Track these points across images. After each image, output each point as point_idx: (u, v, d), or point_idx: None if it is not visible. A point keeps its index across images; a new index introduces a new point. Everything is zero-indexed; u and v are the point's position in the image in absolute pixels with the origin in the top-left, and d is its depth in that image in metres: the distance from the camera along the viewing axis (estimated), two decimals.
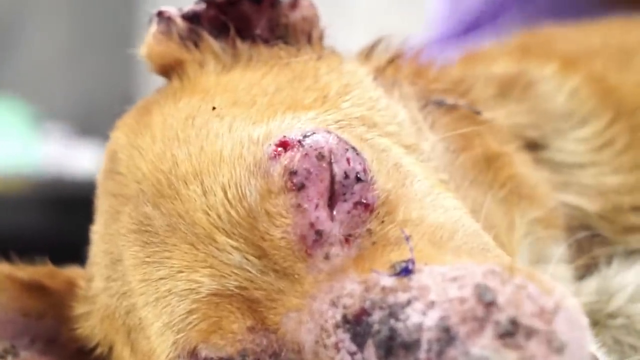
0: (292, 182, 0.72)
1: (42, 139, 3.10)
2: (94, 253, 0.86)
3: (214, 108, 0.80)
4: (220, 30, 0.89)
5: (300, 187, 0.72)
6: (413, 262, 0.68)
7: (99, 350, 0.87)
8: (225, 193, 0.73)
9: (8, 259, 0.90)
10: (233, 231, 0.72)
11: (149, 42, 0.89)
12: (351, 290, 0.68)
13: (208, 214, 0.73)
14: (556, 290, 0.66)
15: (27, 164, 2.98)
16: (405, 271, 0.68)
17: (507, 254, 0.78)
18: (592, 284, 0.88)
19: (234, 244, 0.72)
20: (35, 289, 0.88)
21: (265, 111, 0.79)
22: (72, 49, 3.14)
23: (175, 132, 0.79)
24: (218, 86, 0.84)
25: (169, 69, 0.89)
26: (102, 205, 0.86)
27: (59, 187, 2.93)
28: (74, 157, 3.13)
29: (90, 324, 0.87)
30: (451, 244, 0.74)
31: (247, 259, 0.72)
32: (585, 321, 0.65)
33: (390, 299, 0.66)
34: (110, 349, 0.85)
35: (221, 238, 0.72)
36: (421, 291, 0.66)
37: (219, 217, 0.73)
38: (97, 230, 0.86)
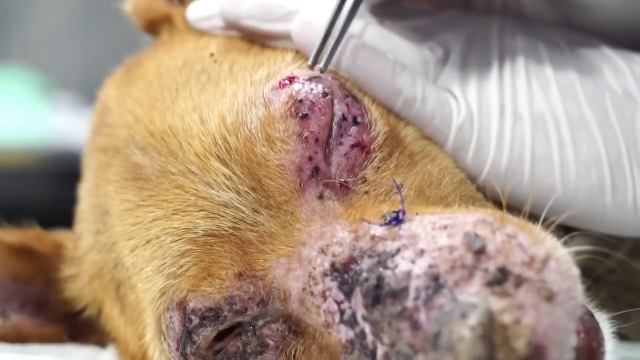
0: (297, 109, 0.72)
1: (51, 110, 3.08)
2: (82, 210, 0.86)
3: (212, 55, 0.79)
4: None
5: (304, 117, 0.72)
6: (404, 212, 0.68)
7: (88, 312, 0.86)
8: (224, 120, 0.73)
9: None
10: (229, 158, 0.72)
11: None
12: (341, 238, 0.67)
13: (203, 141, 0.73)
14: (547, 241, 0.66)
15: (36, 135, 2.96)
16: (395, 220, 0.67)
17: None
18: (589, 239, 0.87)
19: (228, 172, 0.71)
20: (23, 252, 0.88)
21: (264, 54, 0.79)
22: (83, 17, 3.11)
23: (172, 77, 0.79)
24: (210, 37, 0.83)
25: (155, 25, 0.88)
26: (90, 163, 0.85)
27: (69, 159, 2.90)
28: (85, 129, 3.10)
29: (79, 285, 0.86)
30: (439, 192, 0.74)
31: (239, 192, 0.71)
32: (576, 272, 0.64)
33: (380, 247, 0.66)
34: (100, 310, 0.85)
35: (215, 165, 0.72)
36: (411, 240, 0.65)
37: (215, 143, 0.72)
38: (85, 188, 0.86)
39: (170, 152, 0.74)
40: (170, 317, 0.72)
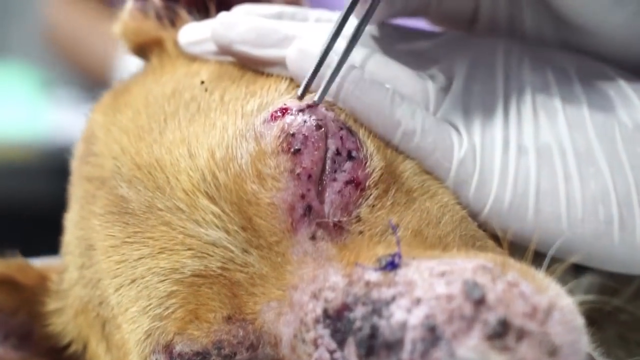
0: (288, 144, 0.69)
1: (50, 105, 3.05)
2: (67, 242, 0.83)
3: (202, 82, 0.76)
4: (198, 9, 0.85)
5: (296, 152, 0.69)
6: (400, 256, 0.64)
7: (73, 348, 0.83)
8: (213, 154, 0.70)
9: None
10: (217, 195, 0.68)
11: (123, 20, 0.86)
12: (334, 283, 0.64)
13: (191, 176, 0.69)
14: (550, 288, 0.62)
15: (35, 130, 2.93)
16: (391, 265, 0.64)
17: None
18: (595, 278, 0.84)
19: (217, 210, 0.68)
20: (5, 283, 0.84)
21: (257, 81, 0.76)
22: None
23: (160, 105, 0.75)
24: (201, 62, 0.80)
25: (144, 48, 0.85)
26: (76, 192, 0.82)
27: (67, 154, 2.88)
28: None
29: (63, 320, 0.83)
30: (438, 231, 0.70)
31: (228, 231, 0.68)
32: (581, 322, 0.61)
33: (374, 294, 0.62)
34: (85, 346, 0.82)
35: (203, 202, 0.68)
36: (407, 287, 0.62)
37: (204, 179, 0.69)
38: (71, 218, 0.82)
39: (157, 186, 0.71)
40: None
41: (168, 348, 0.68)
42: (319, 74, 0.73)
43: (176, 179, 0.70)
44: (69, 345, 0.83)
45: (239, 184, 0.68)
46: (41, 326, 0.84)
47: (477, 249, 0.71)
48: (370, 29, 0.78)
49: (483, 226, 0.74)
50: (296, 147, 0.69)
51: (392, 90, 0.73)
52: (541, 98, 0.75)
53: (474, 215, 0.74)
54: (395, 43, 0.78)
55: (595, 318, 0.68)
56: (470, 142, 0.73)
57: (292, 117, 0.70)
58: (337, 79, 0.73)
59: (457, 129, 0.74)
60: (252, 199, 0.68)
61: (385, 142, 0.73)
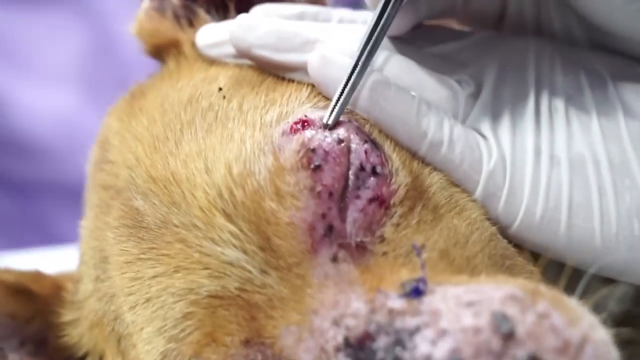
0: (308, 159, 0.66)
1: None
2: (83, 251, 0.80)
3: (220, 89, 0.73)
4: (217, 8, 0.82)
5: (316, 168, 0.66)
6: (425, 282, 0.61)
7: None
8: (230, 170, 0.67)
9: None
10: (235, 213, 0.65)
11: (140, 19, 0.83)
12: (356, 309, 0.61)
13: (207, 193, 0.66)
14: (583, 320, 0.59)
15: None
16: (415, 292, 0.61)
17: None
18: (629, 288, 0.80)
19: (234, 229, 0.65)
20: (20, 293, 0.82)
21: (277, 88, 0.73)
22: None
23: (177, 113, 0.72)
24: (219, 66, 0.77)
25: (161, 50, 0.81)
26: (91, 199, 0.80)
27: None
28: None
29: (79, 331, 0.81)
30: (465, 252, 0.67)
31: (246, 252, 0.65)
32: (615, 355, 0.58)
33: (398, 323, 0.60)
34: (101, 358, 0.80)
35: (220, 221, 0.66)
36: (432, 317, 0.59)
37: (220, 196, 0.66)
38: (86, 226, 0.80)
39: (172, 201, 0.68)
40: None
41: None
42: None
43: (192, 195, 0.67)
44: (84, 357, 0.81)
45: (257, 201, 0.65)
46: (56, 337, 0.82)
47: (507, 269, 0.68)
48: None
49: (513, 240, 0.71)
50: (316, 163, 0.66)
51: (418, 98, 0.70)
52: (574, 104, 0.72)
53: (503, 229, 0.71)
54: (421, 44, 0.75)
55: (628, 327, 0.65)
56: (500, 153, 0.70)
57: (313, 131, 0.67)
58: (362, 89, 0.69)
59: (486, 138, 0.71)
60: (271, 218, 0.65)
61: (411, 154, 0.70)
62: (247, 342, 0.65)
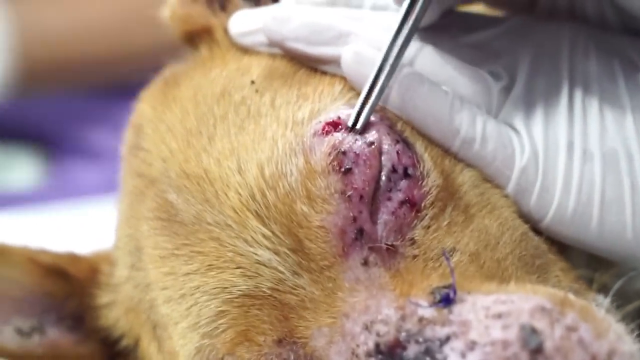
0: (339, 163, 0.66)
1: None
2: (119, 236, 0.81)
3: (252, 82, 0.73)
4: None
5: (347, 171, 0.66)
6: (455, 291, 0.62)
7: (124, 343, 0.83)
8: (262, 171, 0.67)
9: None
10: (267, 215, 0.66)
11: (172, 4, 0.82)
12: (387, 316, 0.63)
13: (240, 194, 0.67)
14: (611, 332, 0.60)
15: None
16: (445, 301, 0.62)
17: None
18: None
19: (267, 232, 0.66)
20: (57, 274, 0.84)
21: (309, 82, 0.72)
22: None
23: (209, 107, 0.73)
24: (252, 55, 0.76)
25: (193, 36, 0.81)
26: (126, 184, 0.80)
27: None
28: None
29: (115, 314, 0.83)
30: (496, 254, 0.68)
31: (278, 254, 0.66)
32: None
33: (428, 332, 0.61)
34: (137, 342, 0.81)
35: (253, 223, 0.67)
36: (461, 327, 0.60)
37: (253, 197, 0.67)
38: (122, 211, 0.81)
39: (205, 199, 0.69)
40: None
41: None
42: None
43: (225, 194, 0.68)
44: (120, 338, 0.83)
45: (289, 204, 0.66)
46: (92, 318, 0.84)
47: (538, 269, 0.69)
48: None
49: (544, 233, 0.72)
50: (347, 167, 0.66)
51: (451, 94, 0.70)
52: (608, 97, 0.71)
53: (535, 222, 0.71)
54: (454, 33, 0.74)
55: None
56: (533, 147, 0.70)
57: (343, 133, 0.67)
58: (394, 85, 0.69)
59: (518, 133, 0.70)
60: (302, 221, 0.66)
61: (443, 150, 0.70)
62: (279, 342, 0.66)
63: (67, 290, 0.84)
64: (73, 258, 0.85)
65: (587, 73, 0.72)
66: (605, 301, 0.70)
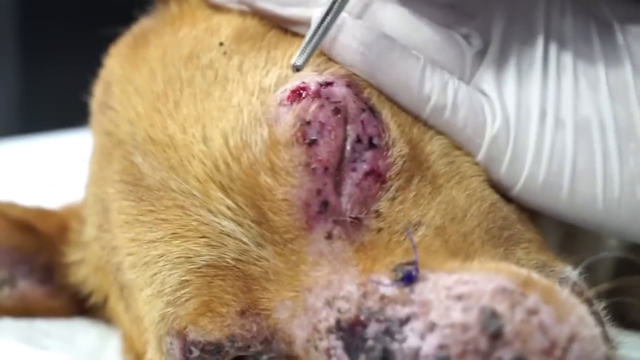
0: (303, 134, 0.65)
1: None
2: (88, 194, 0.81)
3: (221, 44, 0.71)
4: None
5: (312, 142, 0.65)
6: (417, 269, 0.62)
7: (93, 299, 0.83)
8: (227, 140, 0.66)
9: None
10: (231, 186, 0.65)
11: None
12: (348, 292, 0.62)
13: (204, 163, 0.66)
14: (572, 316, 0.59)
15: None
16: (407, 278, 0.61)
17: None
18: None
19: (230, 203, 0.65)
20: (25, 229, 0.83)
21: (279, 44, 0.71)
22: None
23: (177, 70, 0.71)
24: (222, 13, 0.74)
25: None
26: (95, 141, 0.79)
27: None
28: None
29: (84, 272, 0.82)
30: (462, 227, 0.67)
31: (242, 225, 0.65)
32: (602, 352, 0.59)
33: (389, 311, 0.60)
34: (106, 299, 0.81)
35: (216, 194, 0.66)
36: (422, 307, 0.60)
37: (217, 168, 0.66)
38: (92, 169, 0.80)
39: (170, 166, 0.68)
40: (171, 343, 0.68)
41: (181, 334, 0.67)
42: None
43: (189, 163, 0.67)
44: (90, 295, 0.83)
45: (253, 176, 0.65)
46: (61, 275, 0.84)
47: (505, 241, 0.68)
48: None
49: (514, 200, 0.71)
50: (312, 138, 0.65)
51: (422, 61, 0.68)
52: (583, 60, 0.70)
53: (505, 190, 0.70)
54: None
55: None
56: (504, 115, 0.69)
57: (308, 101, 0.65)
58: (363, 49, 0.67)
59: (491, 99, 0.69)
60: (266, 194, 0.65)
61: (413, 117, 0.69)
62: (242, 313, 0.66)
63: (36, 245, 0.84)
64: (42, 213, 0.85)
65: (562, 34, 0.70)
66: (573, 273, 0.70)
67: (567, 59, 0.70)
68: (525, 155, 0.69)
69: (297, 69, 0.66)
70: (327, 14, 0.67)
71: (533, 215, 0.73)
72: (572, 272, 0.70)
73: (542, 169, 0.68)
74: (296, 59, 0.66)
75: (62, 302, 0.86)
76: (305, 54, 0.67)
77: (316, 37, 0.67)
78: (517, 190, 0.70)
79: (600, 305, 0.68)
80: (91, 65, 0.82)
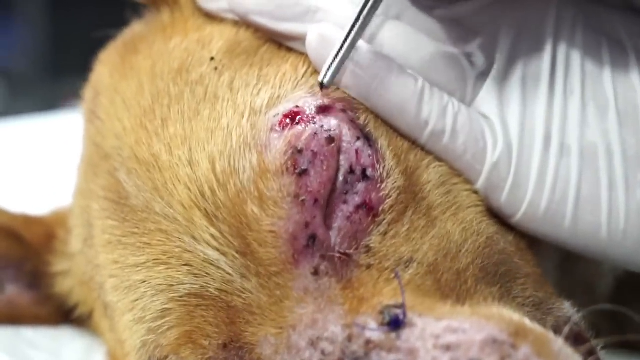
0: (294, 163, 0.62)
1: None
2: (75, 204, 0.78)
3: (212, 59, 0.68)
4: None
5: (302, 173, 0.62)
6: (405, 314, 0.59)
7: (79, 311, 0.81)
8: (214, 165, 0.63)
9: None
10: (216, 214, 0.63)
11: None
12: (333, 334, 0.60)
13: (189, 188, 0.63)
14: None
15: None
16: (394, 323, 0.59)
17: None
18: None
19: (215, 232, 0.63)
20: (11, 236, 0.81)
21: (272, 61, 0.67)
22: None
23: (166, 84, 0.68)
24: (215, 24, 0.71)
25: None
26: (84, 149, 0.77)
27: None
28: None
29: (69, 283, 0.81)
30: (456, 264, 0.64)
31: (226, 255, 0.63)
32: None
33: (374, 357, 0.58)
34: (91, 313, 0.79)
35: (201, 222, 0.63)
36: (408, 356, 0.57)
37: (202, 194, 0.63)
38: (80, 177, 0.78)
39: (155, 187, 0.65)
40: None
41: None
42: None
43: (174, 187, 0.64)
44: (75, 306, 0.81)
45: (239, 204, 0.62)
46: (47, 285, 0.82)
47: (501, 277, 0.66)
48: None
49: (515, 227, 0.68)
50: (303, 167, 0.62)
51: (421, 82, 0.65)
52: (592, 83, 0.67)
53: (505, 218, 0.67)
54: (432, 4, 0.68)
55: None
56: (507, 140, 0.66)
57: (302, 127, 0.63)
58: (358, 71, 0.64)
59: (492, 123, 0.66)
60: (253, 224, 0.62)
61: (410, 142, 0.66)
62: (224, 346, 0.63)
63: (22, 254, 0.82)
64: (29, 221, 0.83)
65: (571, 53, 0.67)
66: (572, 311, 0.67)
67: (576, 80, 0.67)
68: (527, 182, 0.66)
69: (322, 86, 0.64)
70: (352, 28, 0.64)
71: (532, 241, 0.70)
72: (570, 310, 0.67)
73: (545, 196, 0.66)
74: (322, 76, 0.64)
75: (49, 310, 0.85)
76: (331, 70, 0.64)
77: (341, 53, 0.64)
78: (517, 219, 0.67)
79: (599, 346, 0.65)
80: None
